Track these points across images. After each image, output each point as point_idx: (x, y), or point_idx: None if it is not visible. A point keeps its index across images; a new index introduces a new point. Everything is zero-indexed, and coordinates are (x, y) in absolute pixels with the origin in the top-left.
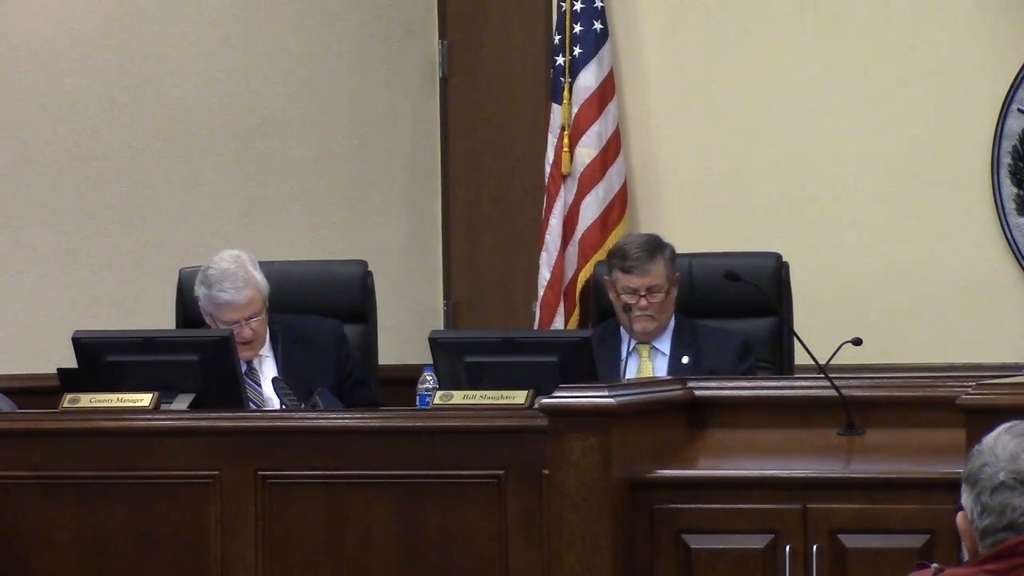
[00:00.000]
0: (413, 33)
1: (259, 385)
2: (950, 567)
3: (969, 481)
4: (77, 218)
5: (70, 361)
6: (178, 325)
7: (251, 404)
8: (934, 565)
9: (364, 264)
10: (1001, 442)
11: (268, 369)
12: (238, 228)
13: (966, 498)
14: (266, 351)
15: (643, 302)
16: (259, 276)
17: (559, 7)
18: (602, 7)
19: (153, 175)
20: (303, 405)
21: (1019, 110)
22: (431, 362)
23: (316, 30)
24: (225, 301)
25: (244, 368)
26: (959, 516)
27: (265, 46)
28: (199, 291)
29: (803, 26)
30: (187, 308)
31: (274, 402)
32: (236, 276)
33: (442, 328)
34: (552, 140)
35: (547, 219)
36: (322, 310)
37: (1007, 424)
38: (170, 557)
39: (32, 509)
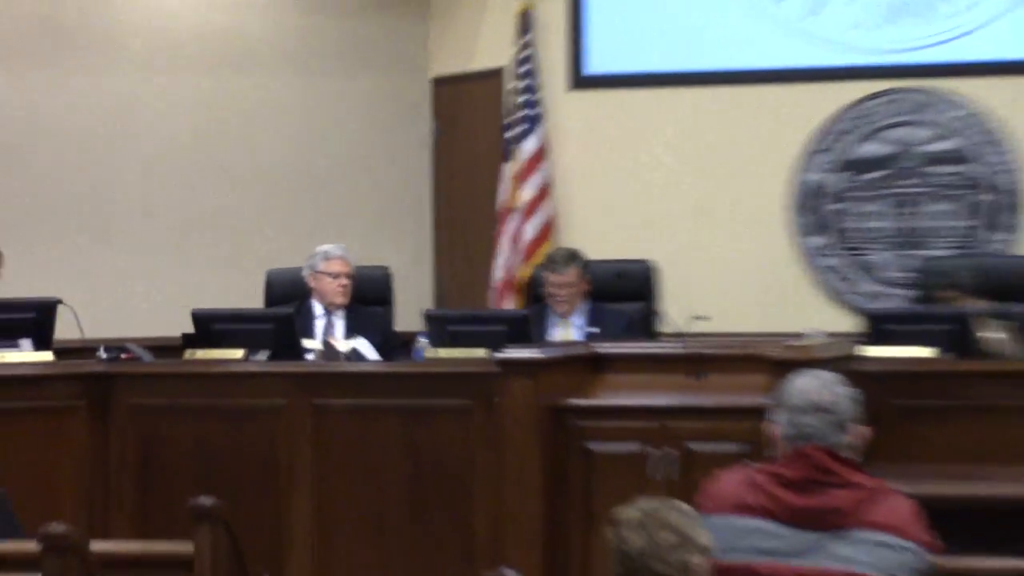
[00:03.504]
0: (416, 116)
1: (334, 332)
2: (763, 463)
3: (780, 406)
4: (193, 235)
5: (190, 328)
6: (266, 306)
7: (328, 342)
8: (749, 462)
9: (386, 268)
10: (800, 381)
11: (340, 324)
12: (302, 243)
13: (778, 417)
14: (341, 314)
15: (560, 293)
16: (348, 260)
17: (510, 100)
18: (536, 100)
19: (245, 205)
20: (342, 357)
21: (814, 155)
22: (425, 329)
23: (353, 117)
24: (337, 255)
25: (326, 320)
26: (772, 429)
27: (323, 126)
28: (312, 263)
29: (666, 114)
30: (272, 294)
31: (340, 345)
32: (343, 248)
33: (433, 307)
34: (504, 186)
35: (500, 238)
36: (359, 297)
37: (803, 371)
38: (255, 457)
39: (164, 426)
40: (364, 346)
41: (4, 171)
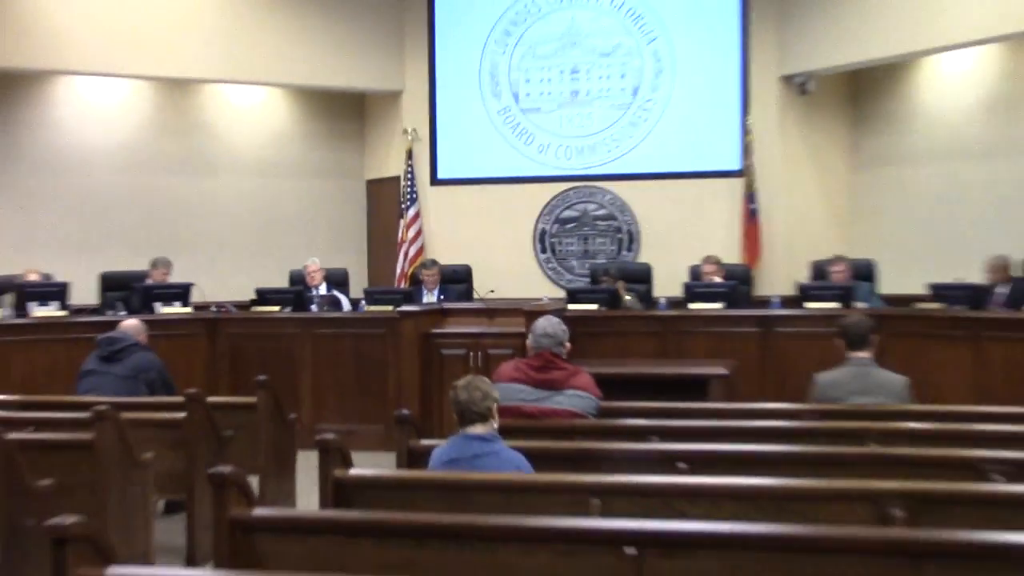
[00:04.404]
0: (359, 199)
1: (319, 294)
2: (522, 359)
3: (530, 332)
4: (256, 253)
5: (254, 296)
6: (289, 286)
7: (318, 299)
8: (517, 358)
9: (346, 269)
10: (539, 320)
11: (323, 290)
12: (304, 256)
13: (529, 337)
14: (323, 288)
15: (427, 280)
16: (319, 265)
17: (402, 190)
18: (415, 190)
19: (278, 239)
20: (325, 308)
21: (542, 216)
22: (364, 297)
23: (328, 199)
24: (310, 263)
25: (316, 292)
26: (527, 343)
27: (314, 204)
28: (303, 267)
29: (475, 197)
30: (293, 280)
31: (323, 291)
32: (316, 260)
33: (368, 287)
34: (401, 229)
35: (399, 253)
36: (334, 284)
37: (540, 316)
38: (285, 358)
39: (242, 343)
40: (341, 295)
41: (175, 226)
